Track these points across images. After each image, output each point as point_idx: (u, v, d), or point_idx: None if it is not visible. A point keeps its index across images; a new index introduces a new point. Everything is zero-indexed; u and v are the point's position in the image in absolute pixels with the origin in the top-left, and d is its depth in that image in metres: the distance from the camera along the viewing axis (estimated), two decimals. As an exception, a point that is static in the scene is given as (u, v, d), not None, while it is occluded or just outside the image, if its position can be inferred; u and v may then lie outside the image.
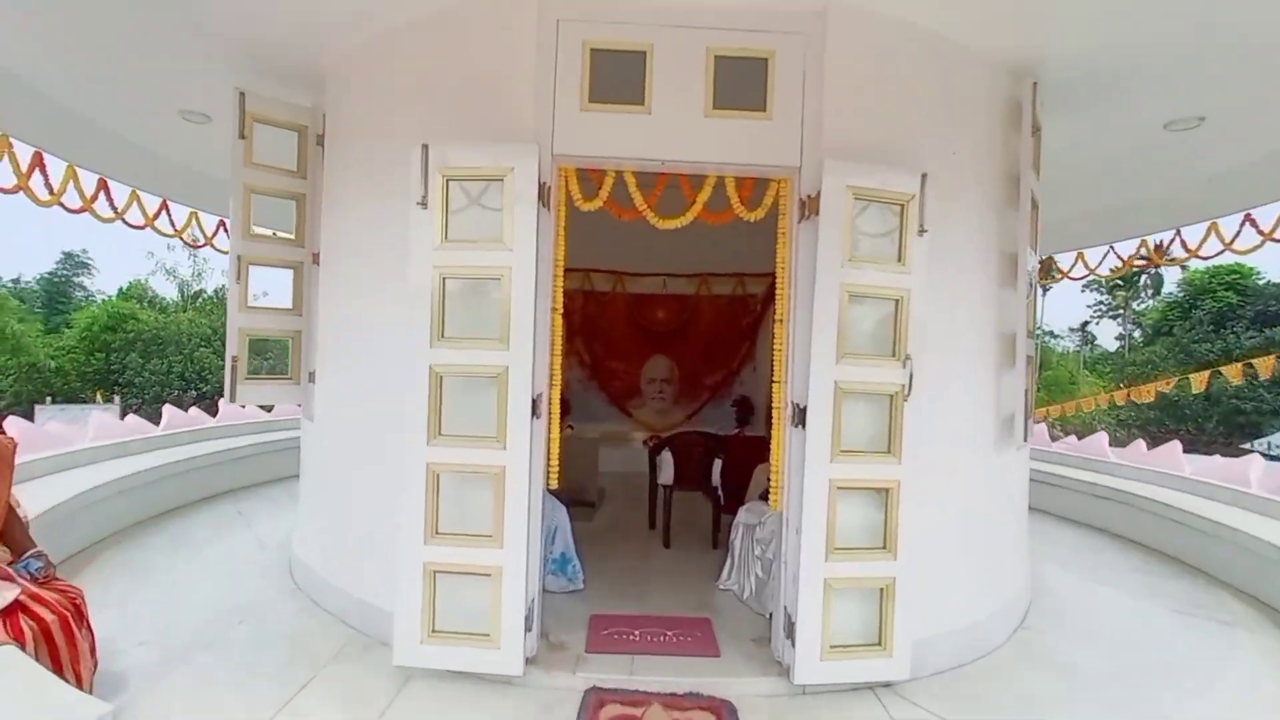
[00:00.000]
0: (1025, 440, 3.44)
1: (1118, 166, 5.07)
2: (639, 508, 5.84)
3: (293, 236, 4.32)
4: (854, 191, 2.97)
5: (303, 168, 4.28)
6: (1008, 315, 3.60)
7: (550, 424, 3.26)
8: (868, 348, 3.03)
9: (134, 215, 5.56)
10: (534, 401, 3.00)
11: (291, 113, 4.22)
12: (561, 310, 3.28)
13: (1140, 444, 6.71)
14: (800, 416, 3.05)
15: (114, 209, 5.29)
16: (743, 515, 4.14)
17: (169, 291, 31.80)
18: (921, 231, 3.03)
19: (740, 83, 3.18)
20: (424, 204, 2.94)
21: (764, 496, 4.27)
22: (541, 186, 3.02)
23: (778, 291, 3.34)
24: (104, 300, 29.86)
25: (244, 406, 5.99)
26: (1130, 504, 5.76)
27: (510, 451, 2.93)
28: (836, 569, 2.99)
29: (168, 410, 6.59)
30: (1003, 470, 3.70)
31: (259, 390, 4.16)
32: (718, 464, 5.07)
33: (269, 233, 4.22)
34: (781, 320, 3.31)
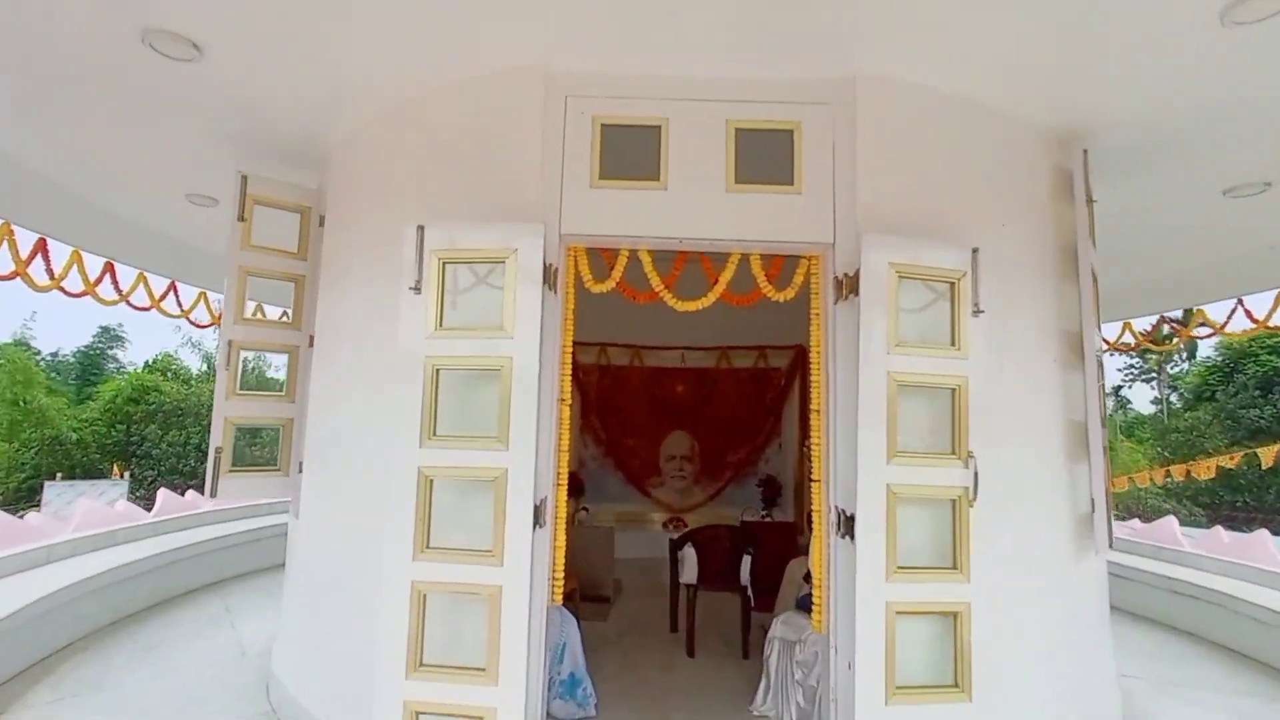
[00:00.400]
0: (1110, 545, 2.95)
1: (1171, 235, 4.73)
2: (659, 602, 5.30)
3: (290, 319, 4.10)
4: (897, 269, 2.64)
5: (303, 249, 4.10)
6: (1075, 400, 3.18)
7: (555, 530, 2.86)
8: (923, 445, 2.63)
9: (140, 297, 5.44)
10: (537, 509, 2.62)
11: (294, 194, 4.08)
12: (569, 402, 2.94)
13: (1219, 531, 6.04)
14: (847, 526, 2.62)
15: (118, 291, 5.17)
16: (779, 628, 3.62)
17: (195, 363, 32.37)
18: (977, 312, 2.67)
19: (764, 156, 2.94)
20: (417, 288, 2.67)
21: (802, 605, 3.76)
22: (547, 268, 2.75)
23: (812, 379, 2.97)
24: (130, 372, 30.41)
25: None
26: (1220, 604, 5.07)
27: (508, 568, 2.52)
28: (899, 715, 2.47)
29: (162, 494, 6.28)
30: (1082, 581, 3.18)
31: (244, 483, 3.82)
32: (747, 560, 4.57)
33: (277, 315, 3.99)
34: (818, 411, 2.93)
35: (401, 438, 2.61)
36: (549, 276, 2.77)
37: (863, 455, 2.54)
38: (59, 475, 20.53)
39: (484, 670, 2.48)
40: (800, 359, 7.86)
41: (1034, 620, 2.90)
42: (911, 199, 2.90)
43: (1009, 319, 2.97)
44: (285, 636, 3.74)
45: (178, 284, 5.93)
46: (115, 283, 5.12)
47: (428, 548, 2.56)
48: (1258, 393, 22.94)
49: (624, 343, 8.05)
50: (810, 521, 6.69)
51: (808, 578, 4.40)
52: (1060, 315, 3.19)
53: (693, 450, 8.14)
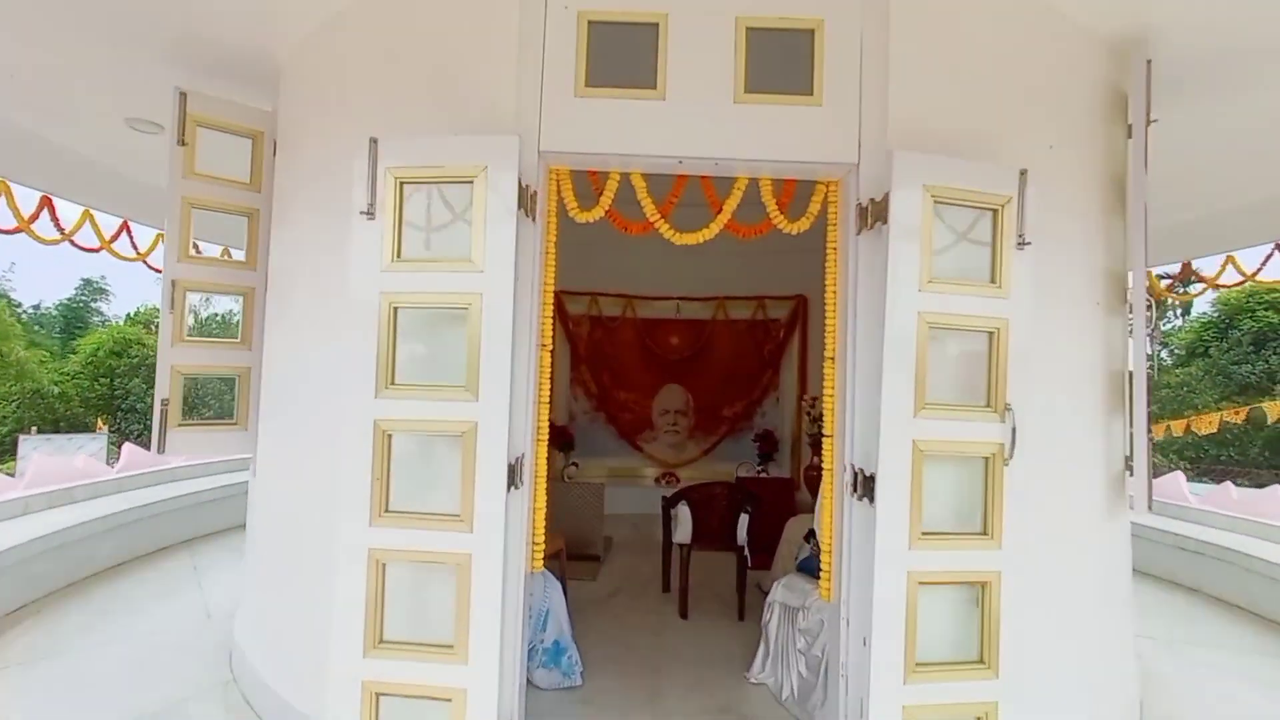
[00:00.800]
0: (1148, 507, 2.67)
1: (1222, 168, 4.33)
2: (651, 560, 5.09)
3: (244, 258, 3.68)
4: (933, 193, 2.26)
5: (256, 179, 3.64)
6: (1116, 348, 2.85)
7: (536, 491, 2.54)
8: (954, 396, 2.30)
9: (87, 237, 4.97)
10: (511, 468, 2.29)
11: (244, 116, 3.59)
12: (550, 347, 2.59)
13: (1229, 487, 5.85)
14: (865, 486, 2.31)
15: (60, 230, 4.71)
16: (779, 592, 3.37)
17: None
18: (1022, 244, 2.31)
19: (780, 61, 2.51)
20: (370, 213, 2.27)
21: (803, 567, 3.51)
22: (524, 191, 2.35)
23: (827, 322, 2.62)
24: (112, 325, 29.71)
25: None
26: (1231, 562, 4.89)
27: (478, 535, 2.21)
28: (919, 693, 2.22)
29: (127, 449, 5.94)
30: (1112, 543, 2.92)
31: (195, 438, 3.47)
32: (744, 519, 4.32)
33: (218, 253, 3.58)
34: (833, 359, 2.59)
35: (354, 386, 2.25)
36: (526, 201, 2.37)
37: (886, 408, 2.21)
38: (34, 429, 20.20)
39: (452, 648, 2.19)
40: (800, 310, 7.51)
41: (1064, 587, 2.64)
42: (949, 115, 2.50)
43: (1050, 256, 2.60)
44: (247, 602, 3.46)
45: (130, 224, 5.44)
46: (55, 218, 4.65)
47: (386, 511, 2.24)
48: (1250, 349, 22.87)
49: (616, 292, 7.69)
50: (808, 478, 6.51)
51: (808, 537, 4.15)
52: (1106, 253, 2.83)
53: (687, 404, 7.87)
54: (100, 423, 22.77)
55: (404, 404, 2.25)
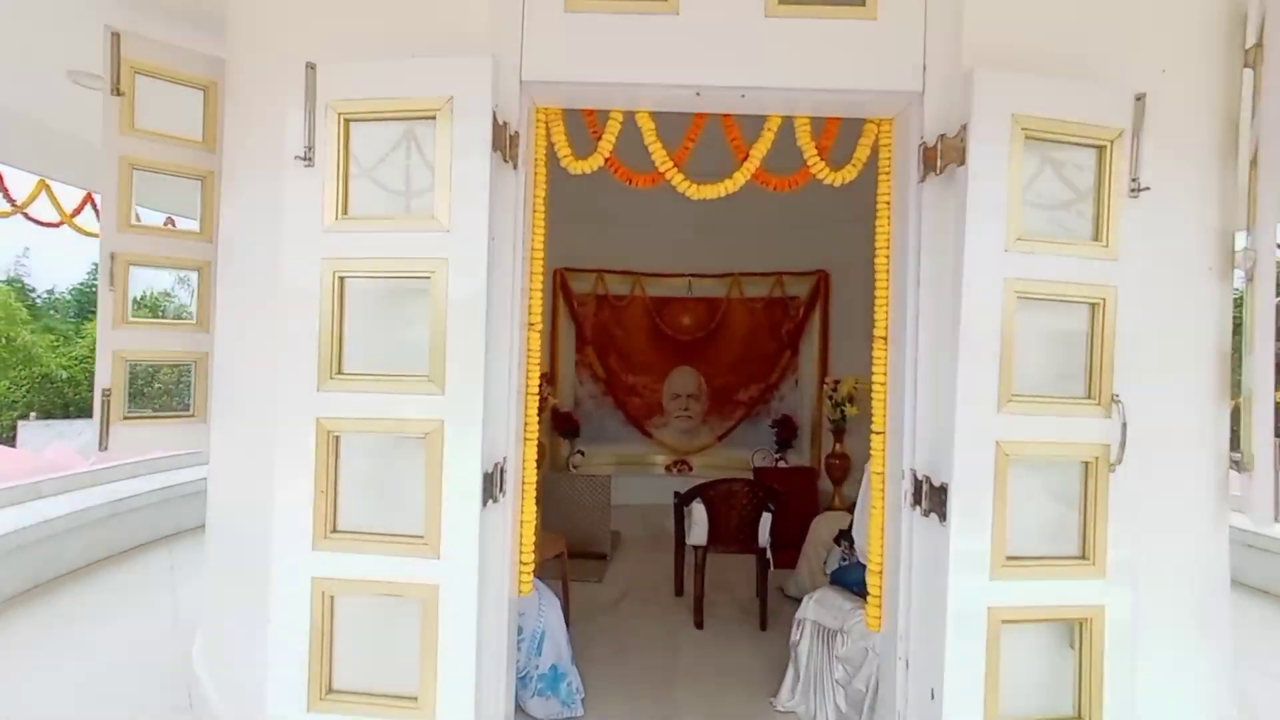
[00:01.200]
0: (1275, 516, 2.18)
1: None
2: (662, 558, 4.67)
3: (198, 228, 3.23)
4: (1024, 126, 1.75)
5: (210, 137, 3.17)
6: (1225, 323, 2.34)
7: (523, 501, 2.10)
8: (1045, 386, 1.82)
9: (44, 210, 4.54)
10: (489, 476, 1.84)
11: (192, 64, 3.11)
12: (540, 326, 2.12)
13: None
14: (934, 499, 1.84)
15: (9, 200, 4.28)
16: (810, 608, 2.92)
17: (187, 299, 31.56)
18: (1136, 190, 1.80)
19: (820, -38, 1.99)
20: (307, 158, 1.81)
21: (838, 579, 3.06)
22: (502, 130, 1.87)
23: (876, 294, 2.14)
24: (119, 308, 29.55)
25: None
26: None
27: (447, 560, 1.77)
28: (998, 759, 1.77)
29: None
30: (1214, 558, 2.43)
31: (144, 433, 3.06)
32: (766, 519, 3.87)
33: (160, 222, 3.14)
34: (884, 338, 2.11)
35: (291, 376, 1.81)
36: (505, 142, 1.89)
37: (963, 400, 1.74)
38: (32, 414, 20.17)
39: (415, 701, 1.76)
40: (822, 286, 6.98)
41: (1170, 616, 2.16)
42: (1038, 31, 1.97)
43: (1157, 209, 2.09)
44: (205, 623, 3.07)
45: (94, 196, 5.01)
46: (3, 189, 4.22)
47: (335, 531, 1.80)
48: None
49: (623, 269, 7.21)
50: (830, 467, 6.04)
51: (839, 539, 3.70)
52: (1219, 208, 2.31)
53: (700, 388, 7.41)
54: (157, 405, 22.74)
55: (354, 398, 1.80)
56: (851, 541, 3.32)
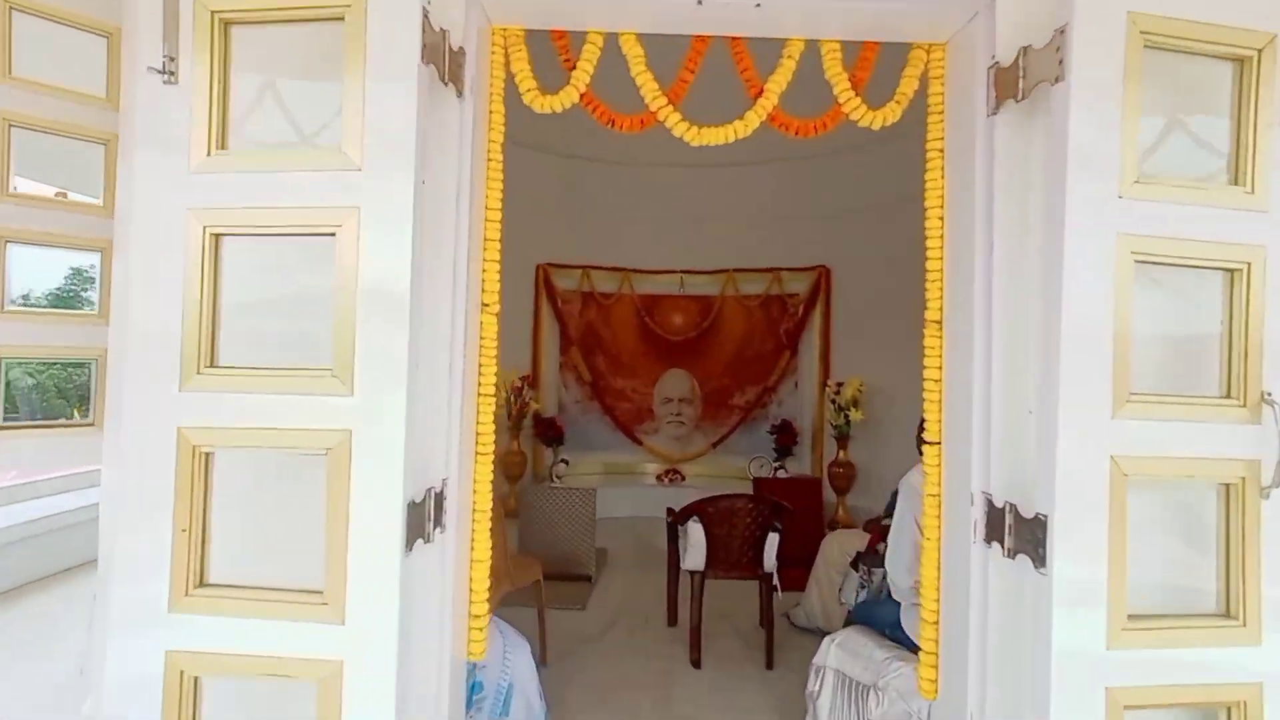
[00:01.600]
0: None
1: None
2: (653, 579, 4.18)
3: (99, 201, 2.72)
4: (1143, 29, 1.29)
5: (115, 94, 2.66)
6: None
7: (474, 537, 1.61)
8: (1167, 382, 1.35)
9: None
10: (416, 506, 1.35)
11: (89, 4, 2.62)
12: (496, 309, 1.63)
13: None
14: (1023, 535, 1.36)
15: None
16: (832, 654, 2.43)
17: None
18: (1290, 118, 1.35)
19: None
20: (170, 74, 1.31)
21: (865, 617, 2.57)
22: (438, 39, 1.38)
23: (929, 266, 1.67)
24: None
25: None
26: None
27: (355, 626, 1.27)
28: None
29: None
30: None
31: (24, 445, 2.54)
32: (773, 540, 3.38)
33: (51, 192, 2.63)
34: (939, 322, 1.64)
35: (143, 370, 1.31)
36: (444, 60, 1.41)
37: (1067, 401, 1.26)
38: None
39: (311, 829, 1.26)
40: (823, 282, 6.55)
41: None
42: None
43: None
44: (94, 682, 2.53)
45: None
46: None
47: (202, 585, 1.30)
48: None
49: (611, 265, 6.76)
50: (833, 476, 5.59)
51: (856, 563, 3.23)
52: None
53: (693, 391, 6.96)
54: (77, 414, 21.94)
55: (232, 400, 1.30)
56: (870, 565, 2.86)
